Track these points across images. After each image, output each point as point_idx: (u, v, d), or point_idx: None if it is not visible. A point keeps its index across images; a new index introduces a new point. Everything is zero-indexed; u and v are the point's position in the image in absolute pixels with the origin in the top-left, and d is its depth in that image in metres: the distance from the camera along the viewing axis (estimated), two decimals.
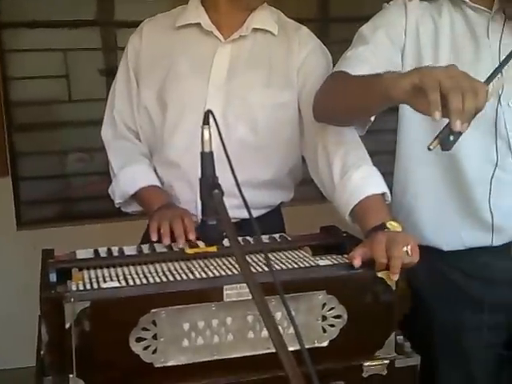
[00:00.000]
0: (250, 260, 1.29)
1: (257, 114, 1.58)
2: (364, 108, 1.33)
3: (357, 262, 1.23)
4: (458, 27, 1.44)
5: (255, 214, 1.62)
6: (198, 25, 1.60)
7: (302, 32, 1.64)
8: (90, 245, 1.41)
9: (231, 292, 1.14)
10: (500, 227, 1.43)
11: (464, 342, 1.50)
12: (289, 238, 1.49)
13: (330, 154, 1.47)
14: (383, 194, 1.41)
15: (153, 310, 1.11)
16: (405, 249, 1.21)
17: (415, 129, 1.48)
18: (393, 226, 1.29)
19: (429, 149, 1.12)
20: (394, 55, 1.45)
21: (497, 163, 1.41)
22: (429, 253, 1.36)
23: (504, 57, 1.26)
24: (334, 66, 1.53)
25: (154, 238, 1.42)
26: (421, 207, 1.51)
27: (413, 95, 1.10)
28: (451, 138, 1.10)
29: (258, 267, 1.25)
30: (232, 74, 1.59)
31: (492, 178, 1.42)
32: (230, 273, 1.22)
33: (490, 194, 1.42)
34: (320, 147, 1.50)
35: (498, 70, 1.23)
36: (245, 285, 0.91)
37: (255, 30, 1.60)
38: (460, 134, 1.09)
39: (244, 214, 1.54)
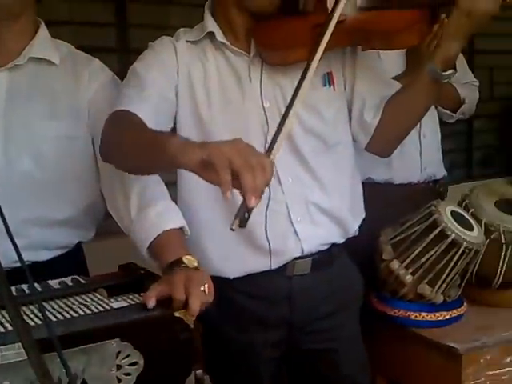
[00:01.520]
0: (34, 311, 1.16)
1: (41, 147, 1.50)
2: (149, 166, 1.32)
3: (151, 303, 1.18)
4: (224, 70, 1.50)
5: (50, 255, 1.55)
6: None
7: (94, 64, 1.59)
8: None
9: (7, 353, 1.00)
10: (276, 252, 1.52)
11: (252, 359, 1.59)
12: (82, 281, 1.38)
13: (128, 188, 1.43)
14: (181, 229, 1.40)
15: None
16: (202, 288, 1.21)
17: None
18: (189, 260, 1.29)
19: (232, 229, 1.12)
20: (169, 94, 1.48)
21: (269, 196, 1.48)
22: (216, 281, 1.37)
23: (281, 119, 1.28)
24: None
25: None
26: (205, 241, 1.55)
27: (202, 167, 1.11)
28: (246, 214, 1.10)
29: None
30: (11, 104, 1.49)
31: (267, 209, 1.49)
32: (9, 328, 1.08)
33: (265, 224, 1.50)
34: (117, 181, 1.45)
35: (277, 133, 1.25)
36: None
37: (34, 59, 1.52)
38: (252, 209, 1.09)
39: (35, 257, 1.46)
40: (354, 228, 1.61)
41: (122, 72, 1.59)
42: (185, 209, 1.52)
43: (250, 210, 1.09)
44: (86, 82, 1.54)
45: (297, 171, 1.51)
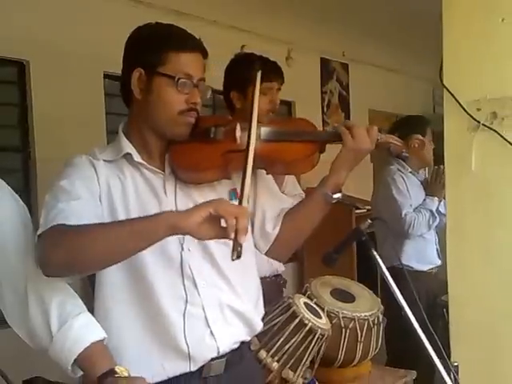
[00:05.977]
0: None
1: None
2: (127, 250, 1.41)
3: None
4: (141, 186, 1.61)
5: None
6: None
7: None
8: None
9: None
10: (195, 355, 1.59)
11: None
12: None
13: (46, 302, 1.44)
14: (103, 340, 1.46)
15: None
16: None
17: (112, 271, 1.55)
18: (120, 370, 1.36)
19: (233, 260, 1.36)
20: (97, 207, 1.54)
21: (187, 299, 1.59)
22: None
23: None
24: None
25: None
26: (124, 344, 1.57)
27: (201, 225, 1.34)
28: (239, 249, 1.37)
29: None
30: None
31: (184, 312, 1.58)
32: None
33: (184, 327, 1.58)
34: (32, 296, 1.45)
35: (243, 185, 1.48)
36: None
37: None
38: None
39: None
40: (260, 325, 1.75)
41: None
42: (103, 314, 1.57)
43: (241, 245, 1.36)
44: None
45: (211, 275, 1.63)
